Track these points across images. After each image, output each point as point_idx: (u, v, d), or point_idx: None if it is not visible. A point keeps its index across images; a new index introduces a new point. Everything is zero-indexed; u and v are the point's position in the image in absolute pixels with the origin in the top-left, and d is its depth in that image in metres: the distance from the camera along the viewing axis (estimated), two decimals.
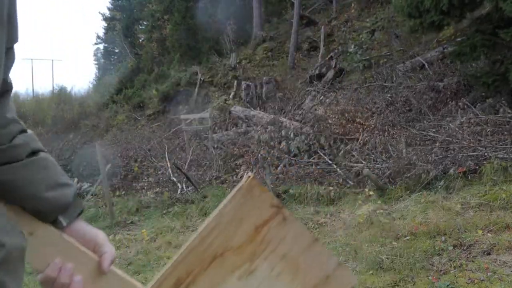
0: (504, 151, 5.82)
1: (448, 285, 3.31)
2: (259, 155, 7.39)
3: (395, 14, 10.60)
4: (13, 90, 0.81)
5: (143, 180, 8.65)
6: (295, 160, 7.37)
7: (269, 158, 7.27)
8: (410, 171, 6.03)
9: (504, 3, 5.73)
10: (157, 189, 7.79)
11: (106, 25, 29.47)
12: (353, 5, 14.29)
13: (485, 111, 7.04)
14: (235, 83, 13.63)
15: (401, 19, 9.13)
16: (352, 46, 11.84)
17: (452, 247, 3.90)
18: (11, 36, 0.71)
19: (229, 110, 11.40)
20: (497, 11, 6.15)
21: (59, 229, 0.81)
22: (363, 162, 6.78)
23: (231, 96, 13.29)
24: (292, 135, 7.86)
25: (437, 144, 6.58)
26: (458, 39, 7.34)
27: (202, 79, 14.56)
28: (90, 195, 8.22)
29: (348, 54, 11.64)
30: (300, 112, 9.68)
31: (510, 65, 6.33)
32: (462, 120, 6.96)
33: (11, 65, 0.75)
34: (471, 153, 5.99)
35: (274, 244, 0.86)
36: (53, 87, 22.94)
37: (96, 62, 33.96)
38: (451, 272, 3.51)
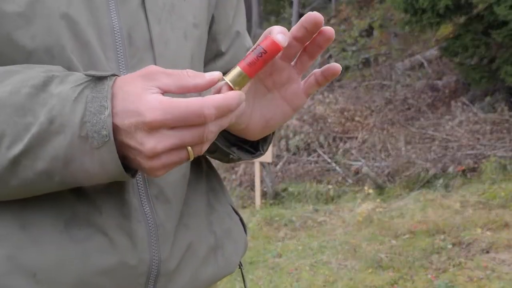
0: (503, 149, 5.84)
1: (447, 283, 3.31)
2: None
3: (392, 11, 10.60)
4: None
5: None
6: (294, 159, 7.37)
7: None
8: (409, 169, 6.04)
9: (498, 7, 5.82)
10: None
11: None
12: (351, 4, 14.29)
13: (484, 110, 7.06)
14: None
15: (398, 16, 9.14)
16: (351, 45, 11.84)
17: (451, 246, 3.91)
18: None
19: None
20: (491, 13, 6.21)
21: None
22: (362, 160, 6.79)
23: None
24: (291, 133, 7.86)
25: (436, 143, 6.60)
26: (451, 38, 7.36)
27: None
28: None
29: (347, 52, 11.64)
30: (299, 111, 9.70)
31: (502, 63, 6.35)
32: (461, 119, 6.97)
33: None
34: (470, 152, 6.00)
35: None
36: None
37: None
38: (450, 270, 3.51)
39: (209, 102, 0.53)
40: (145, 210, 0.67)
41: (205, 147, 0.56)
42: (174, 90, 0.54)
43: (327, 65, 0.64)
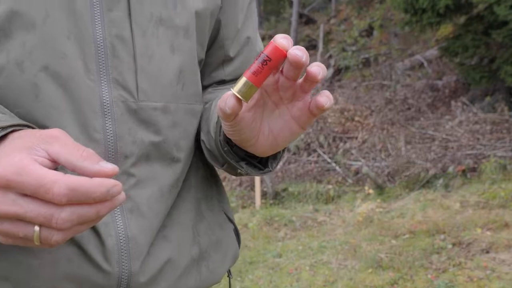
0: (503, 149, 5.84)
1: (447, 283, 3.31)
2: None
3: (392, 11, 10.60)
4: None
5: None
6: (294, 158, 7.37)
7: None
8: (409, 169, 6.04)
9: (498, 7, 5.83)
10: None
11: None
12: (351, 4, 14.30)
13: (484, 110, 7.06)
14: None
15: (398, 16, 9.16)
16: (351, 45, 11.84)
17: (451, 246, 3.91)
18: None
19: None
20: (491, 13, 6.21)
21: None
22: (362, 160, 6.79)
23: None
24: None
25: (436, 143, 6.60)
26: (451, 38, 7.37)
27: None
28: None
29: (347, 52, 11.64)
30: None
31: (502, 63, 6.36)
32: (461, 119, 6.97)
33: None
34: (470, 152, 6.00)
35: None
36: None
37: None
38: (450, 270, 3.51)
39: (64, 180, 0.46)
40: (117, 223, 0.68)
41: (59, 236, 0.48)
42: (62, 162, 0.49)
43: (316, 98, 0.60)
